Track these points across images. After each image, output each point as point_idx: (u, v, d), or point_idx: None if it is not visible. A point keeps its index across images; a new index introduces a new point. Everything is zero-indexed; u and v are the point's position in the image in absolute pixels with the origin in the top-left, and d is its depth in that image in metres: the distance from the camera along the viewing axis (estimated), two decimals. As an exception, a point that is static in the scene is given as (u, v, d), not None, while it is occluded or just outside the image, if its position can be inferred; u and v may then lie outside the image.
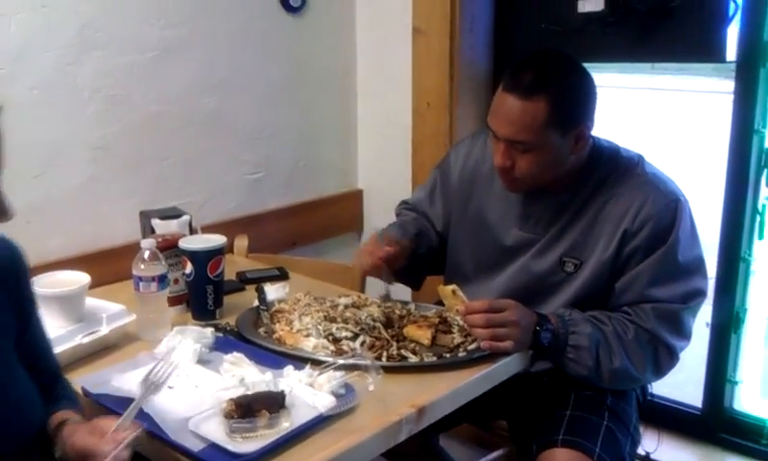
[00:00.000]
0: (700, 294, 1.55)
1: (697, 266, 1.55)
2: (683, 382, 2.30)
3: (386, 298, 1.68)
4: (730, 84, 1.95)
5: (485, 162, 1.74)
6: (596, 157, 1.61)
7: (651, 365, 1.54)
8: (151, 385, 1.23)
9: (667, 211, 1.52)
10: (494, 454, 2.13)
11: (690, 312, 1.55)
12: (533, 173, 1.54)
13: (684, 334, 1.55)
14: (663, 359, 1.54)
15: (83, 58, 1.86)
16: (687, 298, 1.53)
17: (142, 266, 1.54)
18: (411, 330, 1.54)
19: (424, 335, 1.52)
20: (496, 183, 1.69)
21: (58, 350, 1.42)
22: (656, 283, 1.52)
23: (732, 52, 1.92)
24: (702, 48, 1.96)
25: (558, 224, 1.61)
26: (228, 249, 2.18)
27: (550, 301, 1.62)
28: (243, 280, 1.95)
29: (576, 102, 1.52)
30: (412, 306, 1.68)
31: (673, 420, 2.17)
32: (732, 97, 1.94)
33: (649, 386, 1.76)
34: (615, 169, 1.59)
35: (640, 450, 1.80)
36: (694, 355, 2.09)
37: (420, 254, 1.77)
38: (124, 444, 1.06)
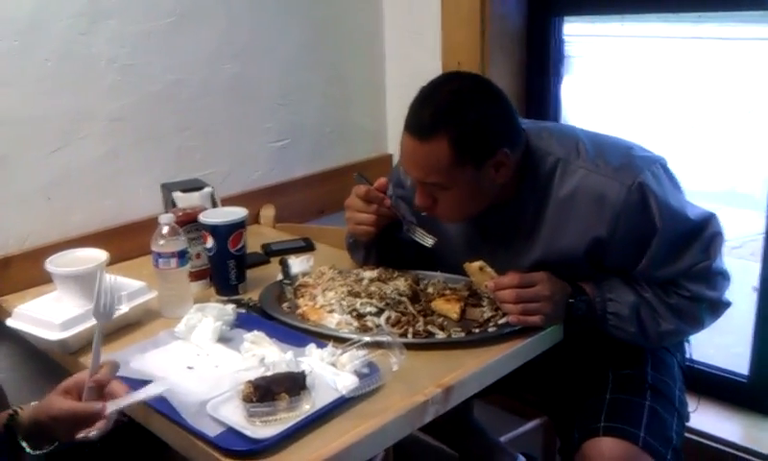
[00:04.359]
0: (717, 236, 1.44)
1: (697, 218, 1.44)
2: (730, 345, 2.21)
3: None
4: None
5: None
6: (530, 162, 1.45)
7: (706, 317, 1.47)
8: (102, 314, 1.18)
9: (630, 196, 1.37)
10: (531, 424, 2.09)
11: (719, 257, 1.45)
12: (458, 208, 1.45)
13: (725, 277, 1.47)
14: (716, 310, 1.48)
15: (96, 26, 1.81)
16: (708, 248, 1.43)
17: (161, 242, 1.50)
18: (439, 304, 1.48)
19: (453, 309, 1.46)
20: None
21: (75, 330, 1.41)
22: (672, 262, 1.42)
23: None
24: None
25: (520, 234, 1.49)
26: (253, 219, 2.16)
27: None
28: (268, 252, 1.90)
29: (484, 133, 1.37)
30: (441, 278, 1.62)
31: (717, 387, 2.08)
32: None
33: (687, 348, 1.68)
34: (555, 166, 1.44)
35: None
36: (742, 322, 2.00)
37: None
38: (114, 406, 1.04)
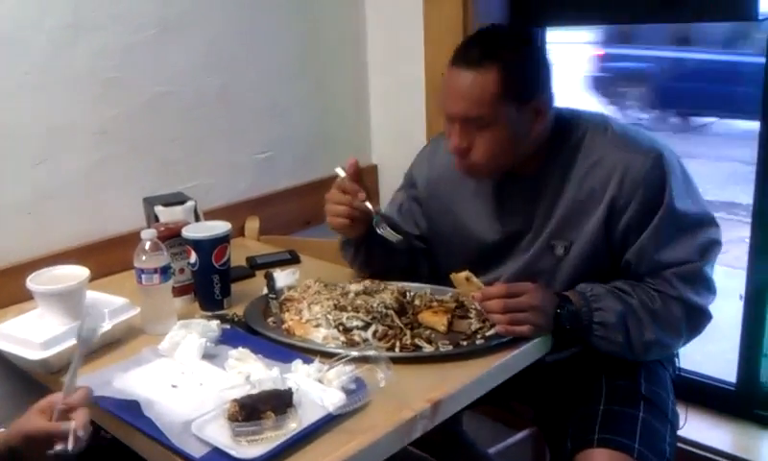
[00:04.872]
0: (715, 243, 1.48)
1: (703, 215, 1.48)
2: (717, 353, 2.21)
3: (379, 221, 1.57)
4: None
5: (449, 166, 1.62)
6: (561, 128, 1.52)
7: (685, 330, 1.47)
8: (84, 340, 1.18)
9: (654, 170, 1.43)
10: (521, 435, 2.08)
11: (710, 264, 1.47)
12: (492, 153, 1.46)
13: (711, 289, 1.48)
14: (696, 321, 1.48)
15: (79, 39, 1.79)
16: (704, 251, 1.46)
17: (143, 258, 1.48)
18: (426, 316, 1.47)
19: (440, 321, 1.44)
20: (467, 185, 1.62)
21: (57, 349, 1.38)
22: (667, 246, 1.44)
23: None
24: (733, 4, 1.82)
25: (539, 208, 1.53)
26: (238, 232, 2.14)
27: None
28: (253, 266, 1.89)
29: (529, 72, 1.44)
30: (428, 290, 1.60)
31: (705, 396, 2.08)
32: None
33: (677, 361, 1.69)
34: (584, 136, 1.51)
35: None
36: (729, 329, 2.00)
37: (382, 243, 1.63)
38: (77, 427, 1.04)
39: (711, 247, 1.47)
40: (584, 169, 1.48)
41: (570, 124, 1.53)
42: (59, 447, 1.04)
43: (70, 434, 1.04)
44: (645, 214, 1.44)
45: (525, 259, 1.56)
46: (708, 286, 1.47)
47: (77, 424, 1.05)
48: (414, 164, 1.79)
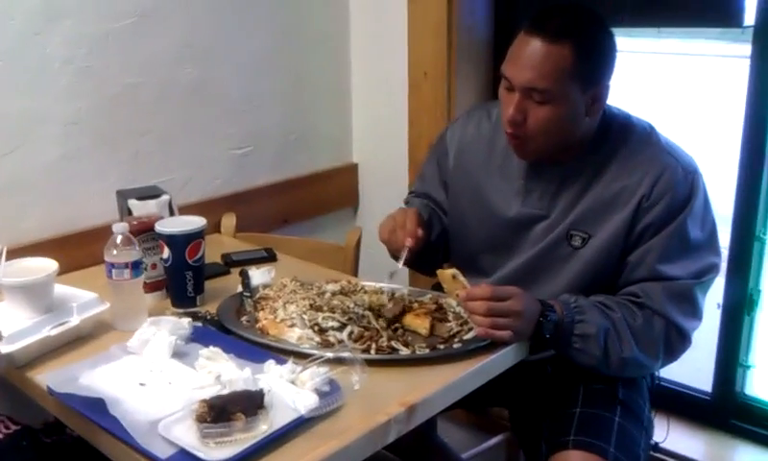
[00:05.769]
0: (713, 269, 1.48)
1: (710, 241, 1.48)
2: (693, 362, 2.21)
3: (392, 276, 1.57)
4: (739, 48, 1.83)
5: (481, 139, 1.64)
6: (607, 125, 1.52)
7: (663, 351, 1.46)
8: None
9: (685, 183, 1.45)
10: (495, 440, 2.07)
11: (702, 289, 1.47)
12: (546, 130, 1.43)
13: (697, 314, 1.47)
14: (675, 343, 1.46)
15: (51, 26, 1.74)
16: (700, 274, 1.45)
17: (114, 252, 1.43)
18: (408, 319, 1.44)
19: (422, 324, 1.42)
20: (495, 160, 1.61)
21: (24, 343, 1.34)
22: (667, 259, 1.44)
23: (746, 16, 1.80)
24: (720, 12, 1.84)
25: (565, 195, 1.52)
26: (214, 228, 2.10)
27: (555, 277, 1.53)
28: (228, 263, 1.85)
29: (600, 56, 1.44)
30: (405, 291, 1.58)
31: (682, 405, 2.08)
32: (743, 62, 1.82)
33: (656, 373, 1.68)
34: (628, 138, 1.51)
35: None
36: (705, 339, 2.00)
37: (432, 241, 1.68)
38: None
39: (708, 271, 1.47)
40: (619, 168, 1.48)
41: (617, 123, 1.53)
42: None
43: None
44: (663, 221, 1.44)
45: (541, 246, 1.55)
46: (694, 310, 1.46)
47: None
48: (446, 133, 1.76)
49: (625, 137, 1.51)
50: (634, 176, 1.46)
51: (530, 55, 1.40)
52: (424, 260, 1.64)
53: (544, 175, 1.55)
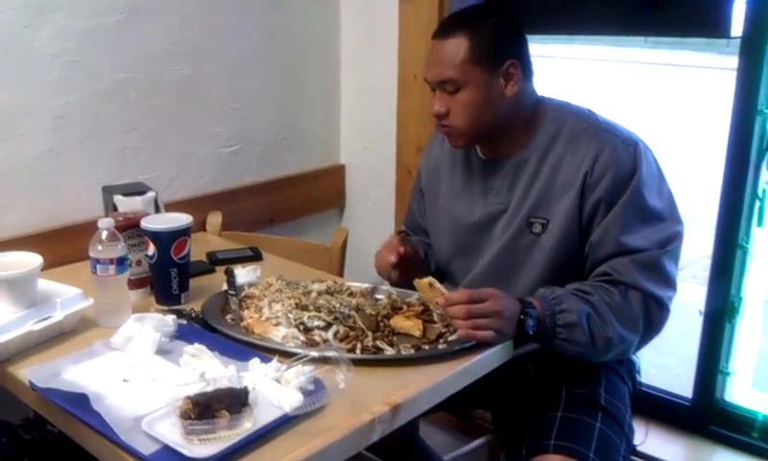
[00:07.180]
0: (676, 237, 1.51)
1: (669, 209, 1.51)
2: (673, 368, 2.23)
3: (373, 291, 1.60)
4: (724, 60, 1.85)
5: (444, 159, 1.75)
6: (544, 110, 1.60)
7: (643, 323, 1.47)
8: None
9: (627, 155, 1.49)
10: (476, 442, 2.07)
11: (670, 257, 1.49)
12: (468, 115, 1.53)
13: (669, 283, 1.50)
14: (655, 314, 1.48)
15: (41, 20, 1.73)
16: (664, 243, 1.48)
17: (99, 247, 1.43)
18: (399, 321, 1.44)
19: (415, 326, 1.43)
20: (456, 174, 1.70)
21: (6, 337, 1.33)
22: (628, 230, 1.47)
23: (733, 27, 1.82)
24: (707, 22, 1.86)
25: (519, 185, 1.58)
26: (199, 226, 2.10)
27: (523, 268, 1.57)
28: (213, 261, 1.84)
29: (495, 37, 1.53)
30: (393, 292, 1.59)
31: (662, 410, 2.09)
32: (729, 73, 1.84)
33: (638, 376, 1.69)
34: (567, 119, 1.57)
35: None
36: (686, 345, 2.02)
37: (434, 272, 1.71)
38: None
39: (672, 240, 1.49)
40: (562, 151, 1.54)
41: (555, 111, 1.59)
42: None
43: None
44: (613, 195, 1.48)
45: (506, 238, 1.59)
46: (666, 280, 1.49)
47: None
48: (421, 163, 1.88)
49: (564, 120, 1.57)
50: (576, 155, 1.52)
51: (434, 54, 1.56)
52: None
53: (499, 170, 1.61)
